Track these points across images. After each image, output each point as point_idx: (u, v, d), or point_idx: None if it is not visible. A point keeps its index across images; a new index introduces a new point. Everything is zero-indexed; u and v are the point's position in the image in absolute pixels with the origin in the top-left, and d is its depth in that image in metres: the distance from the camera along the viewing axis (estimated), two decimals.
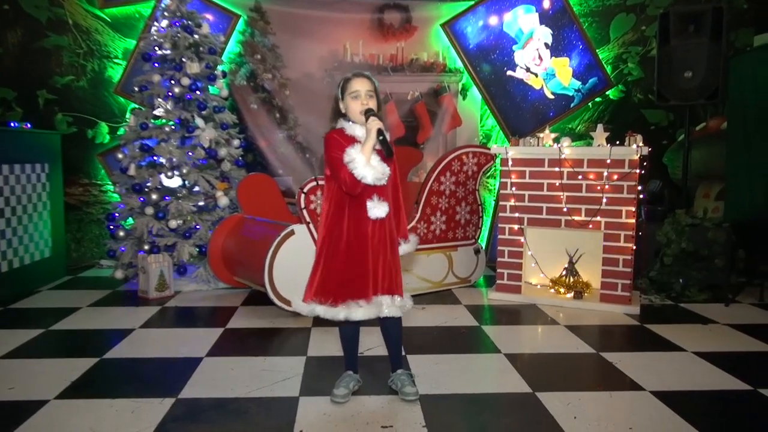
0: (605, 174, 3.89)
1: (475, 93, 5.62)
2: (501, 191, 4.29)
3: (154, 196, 4.42)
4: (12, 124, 4.42)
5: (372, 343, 3.16)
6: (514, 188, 4.17)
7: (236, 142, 4.83)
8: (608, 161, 3.86)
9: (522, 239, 4.19)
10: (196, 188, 4.56)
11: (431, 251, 4.34)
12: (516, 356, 3.06)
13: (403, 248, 2.55)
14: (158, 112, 4.53)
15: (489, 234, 5.58)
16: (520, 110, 5.58)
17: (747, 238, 4.37)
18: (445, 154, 4.43)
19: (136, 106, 4.76)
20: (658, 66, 4.55)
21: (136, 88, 4.62)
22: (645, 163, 3.93)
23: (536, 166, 4.10)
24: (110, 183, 5.37)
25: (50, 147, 4.72)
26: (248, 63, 5.39)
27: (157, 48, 4.58)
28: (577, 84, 5.51)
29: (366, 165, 2.26)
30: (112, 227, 4.58)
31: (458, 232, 4.47)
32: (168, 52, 4.57)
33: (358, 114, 2.36)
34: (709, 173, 5.15)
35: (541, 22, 5.47)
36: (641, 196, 4.02)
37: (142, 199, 4.47)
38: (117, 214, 4.59)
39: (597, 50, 5.48)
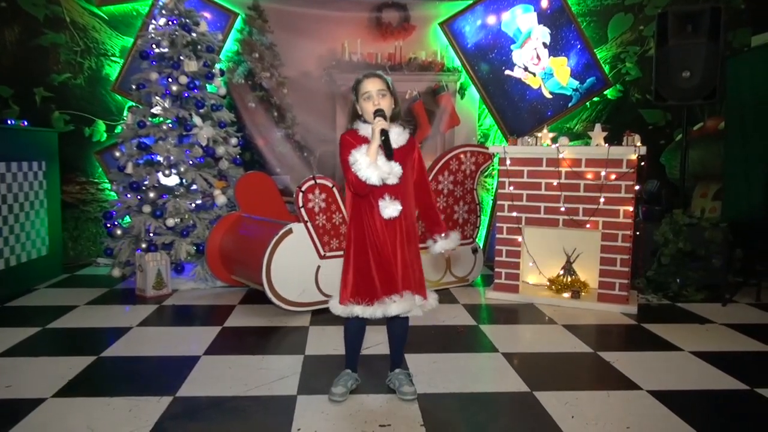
0: (603, 173, 3.89)
1: (473, 92, 5.62)
2: (499, 191, 4.29)
3: (151, 195, 4.41)
4: (9, 122, 4.41)
5: (370, 342, 3.16)
6: (512, 188, 4.17)
7: (234, 141, 4.83)
8: (606, 161, 3.86)
9: (520, 239, 4.19)
10: (194, 186, 4.55)
11: (428, 250, 4.33)
12: (513, 355, 3.06)
13: (440, 245, 2.52)
14: (156, 110, 4.52)
15: (487, 233, 5.58)
16: (518, 110, 5.58)
17: (744, 238, 4.38)
18: (443, 153, 4.44)
19: (134, 104, 4.75)
20: (655, 66, 4.55)
21: (134, 86, 4.61)
22: (643, 163, 3.93)
23: (534, 165, 4.10)
24: (107, 181, 5.36)
25: (47, 145, 4.71)
26: (246, 61, 5.38)
27: (154, 46, 4.57)
28: (575, 83, 5.52)
29: (370, 165, 2.27)
30: (109, 225, 4.57)
31: (456, 232, 4.46)
32: (166, 50, 4.56)
33: (371, 114, 2.37)
34: (707, 173, 5.17)
35: (540, 22, 5.47)
36: (639, 195, 4.02)
37: (139, 197, 4.46)
38: (114, 212, 4.57)
39: (595, 50, 5.48)
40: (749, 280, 4.27)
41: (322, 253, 3.82)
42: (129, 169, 4.45)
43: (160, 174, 4.45)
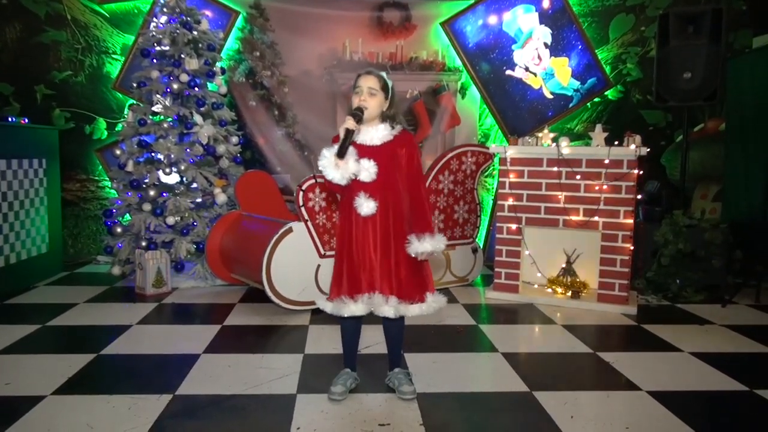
0: (603, 174, 3.89)
1: (474, 92, 5.62)
2: (499, 190, 4.29)
3: (151, 193, 4.41)
4: (9, 119, 4.41)
5: (370, 341, 3.16)
6: (512, 188, 4.17)
7: (235, 139, 4.83)
8: (606, 161, 3.86)
9: (520, 239, 4.19)
10: (194, 185, 4.55)
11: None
12: (513, 355, 3.06)
13: (414, 246, 2.36)
14: (156, 108, 4.52)
15: (487, 233, 5.58)
16: (518, 110, 5.58)
17: (744, 239, 4.38)
18: (444, 152, 4.44)
19: (135, 102, 4.74)
20: (657, 67, 4.55)
21: (135, 84, 4.61)
22: (643, 164, 3.93)
23: (535, 165, 4.10)
24: (108, 179, 5.36)
25: (48, 142, 4.71)
26: (247, 60, 5.38)
27: (155, 44, 4.57)
28: (576, 84, 5.52)
29: (332, 166, 2.30)
30: (109, 223, 4.57)
31: (456, 231, 4.47)
32: (167, 48, 4.56)
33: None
34: (707, 174, 5.17)
35: (541, 22, 5.47)
36: (639, 196, 4.02)
37: (139, 195, 4.46)
38: (114, 210, 4.57)
39: (596, 50, 5.48)
40: (749, 281, 4.27)
41: (322, 252, 3.82)
42: (129, 167, 4.45)
43: (160, 172, 4.45)
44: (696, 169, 5.10)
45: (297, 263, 3.75)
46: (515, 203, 4.17)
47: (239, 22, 5.42)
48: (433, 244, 2.39)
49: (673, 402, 2.49)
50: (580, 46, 5.48)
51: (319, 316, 3.70)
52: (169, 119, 4.51)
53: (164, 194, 4.47)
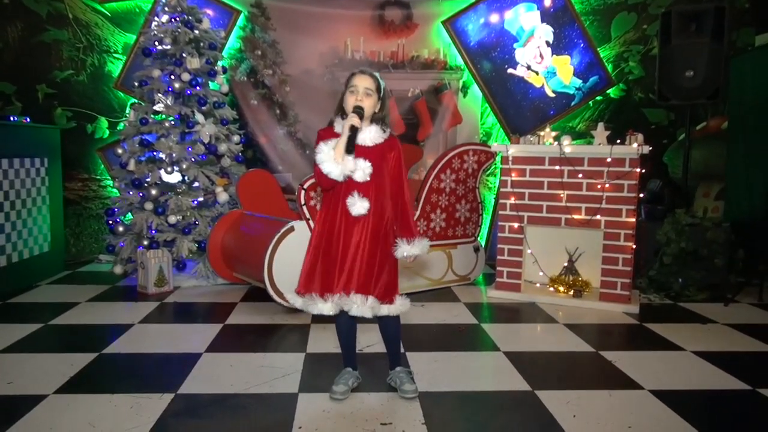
0: (605, 173, 3.89)
1: (475, 91, 5.61)
2: (501, 189, 4.29)
3: (153, 192, 4.41)
4: (11, 119, 4.41)
5: (371, 340, 3.16)
6: (514, 186, 4.17)
7: (236, 138, 4.83)
8: (609, 160, 3.86)
9: (522, 237, 4.19)
10: (196, 184, 4.55)
11: (431, 249, 4.31)
12: (515, 354, 3.06)
13: (401, 249, 2.40)
14: (158, 107, 4.52)
15: (489, 232, 5.57)
16: (520, 108, 5.57)
17: (746, 238, 4.37)
18: (446, 151, 4.43)
19: (136, 101, 4.75)
20: (659, 65, 4.54)
21: (136, 83, 4.61)
22: (645, 163, 3.93)
23: (537, 164, 4.10)
24: (109, 178, 5.36)
25: (49, 141, 4.71)
26: (249, 59, 5.38)
27: (157, 43, 4.57)
28: (578, 82, 5.51)
29: (332, 161, 2.28)
30: (111, 222, 4.57)
31: (458, 230, 4.47)
32: (168, 47, 4.56)
33: (350, 108, 2.37)
34: (709, 173, 5.15)
35: (543, 20, 5.46)
36: (641, 195, 4.01)
37: (141, 194, 4.46)
38: (116, 209, 4.58)
39: (598, 49, 5.47)
40: (751, 280, 4.26)
41: None
42: (131, 166, 4.45)
43: (162, 171, 4.45)
44: (698, 168, 5.09)
45: (299, 262, 3.70)
46: (517, 202, 4.17)
47: (241, 20, 5.42)
48: (420, 248, 2.44)
49: (676, 401, 2.49)
50: (582, 45, 5.47)
51: (320, 315, 3.68)
52: (171, 118, 4.51)
53: (166, 193, 4.47)
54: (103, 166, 5.42)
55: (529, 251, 4.26)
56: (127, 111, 5.20)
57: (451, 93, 5.55)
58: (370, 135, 2.39)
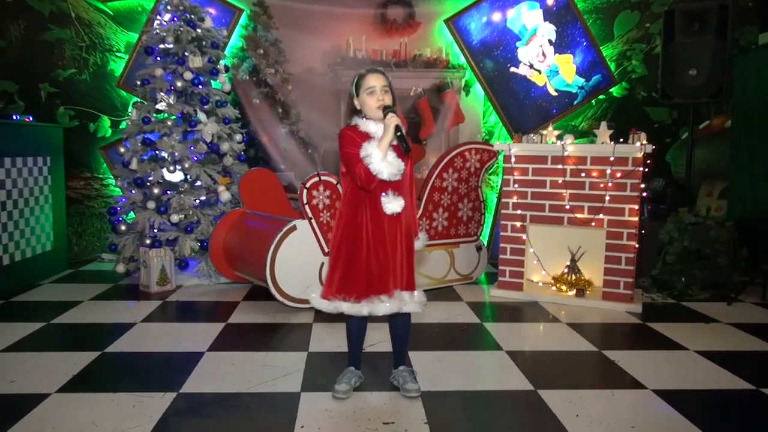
0: (608, 172, 3.88)
1: (478, 89, 5.60)
2: (503, 188, 4.28)
3: (155, 191, 4.41)
4: (14, 117, 4.42)
5: (374, 339, 3.16)
6: (516, 185, 4.16)
7: (238, 137, 4.83)
8: (611, 159, 3.85)
9: (524, 236, 4.18)
10: (198, 183, 4.55)
11: (433, 248, 4.33)
12: (518, 353, 3.05)
13: (416, 244, 2.55)
14: (160, 106, 4.52)
15: (491, 231, 5.57)
16: (523, 107, 5.56)
17: (750, 237, 4.35)
18: (448, 150, 4.42)
19: (139, 99, 4.75)
20: (662, 63, 4.52)
21: (139, 82, 4.61)
22: (648, 161, 3.91)
23: (539, 163, 4.09)
24: (112, 177, 5.37)
25: (52, 140, 4.71)
26: (251, 58, 5.37)
27: (159, 42, 4.57)
28: (581, 81, 5.49)
29: (382, 160, 2.27)
30: (113, 221, 4.57)
31: (460, 229, 4.46)
32: (170, 46, 4.56)
33: (375, 110, 2.35)
34: (713, 171, 5.13)
35: (545, 19, 5.44)
36: (644, 194, 4.00)
37: (144, 193, 4.46)
38: (119, 208, 4.58)
39: (601, 47, 5.45)
40: (755, 279, 4.25)
41: (326, 249, 3.81)
42: (133, 165, 4.46)
43: (164, 170, 4.46)
44: (701, 167, 5.07)
45: (301, 261, 3.75)
46: (519, 201, 4.16)
47: (243, 19, 5.42)
48: (422, 243, 2.59)
49: (679, 401, 2.48)
50: (584, 43, 5.45)
51: (323, 314, 3.66)
52: (173, 117, 4.51)
53: (168, 192, 4.47)
54: (105, 164, 5.42)
55: (531, 250, 4.25)
56: (129, 110, 5.20)
57: (454, 92, 5.54)
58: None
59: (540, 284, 4.34)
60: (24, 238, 4.31)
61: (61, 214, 4.85)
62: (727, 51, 4.31)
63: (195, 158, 4.53)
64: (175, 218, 4.38)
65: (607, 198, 3.89)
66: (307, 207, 3.73)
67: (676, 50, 4.42)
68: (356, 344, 2.61)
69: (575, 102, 5.54)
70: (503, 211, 4.26)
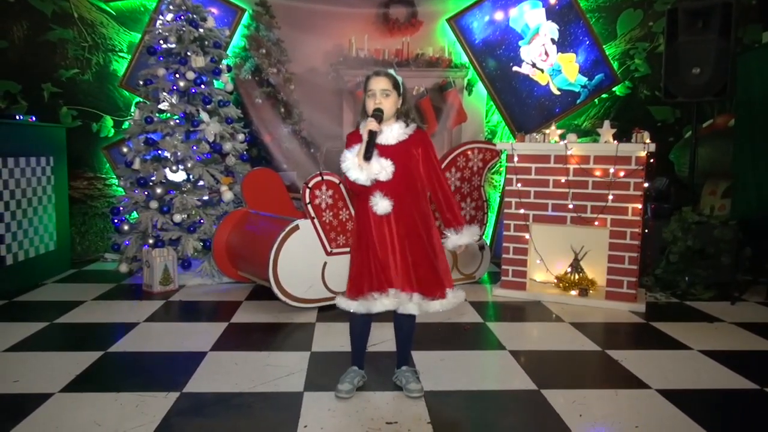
0: (611, 171, 3.87)
1: (480, 89, 5.59)
2: (506, 187, 4.27)
3: (158, 190, 4.42)
4: (17, 117, 4.42)
5: (377, 339, 3.16)
6: (519, 184, 4.16)
7: (241, 137, 4.83)
8: (615, 158, 3.84)
9: (527, 236, 4.17)
10: (201, 182, 4.55)
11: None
12: (521, 353, 3.05)
13: (451, 240, 2.44)
14: (163, 106, 4.53)
15: (494, 230, 5.56)
16: (525, 106, 5.55)
17: (754, 236, 4.34)
18: (450, 149, 4.42)
19: (141, 99, 4.75)
20: (665, 62, 4.51)
21: (141, 82, 4.61)
22: (651, 160, 3.90)
23: (542, 162, 4.08)
24: (115, 177, 5.37)
25: (55, 140, 4.72)
26: (253, 57, 5.37)
27: (162, 42, 4.57)
28: (584, 80, 5.48)
29: (356, 167, 2.31)
30: (116, 221, 4.58)
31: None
32: (173, 45, 4.56)
33: (371, 113, 2.41)
34: (716, 170, 5.12)
35: (548, 18, 5.43)
36: (647, 193, 3.99)
37: (146, 193, 4.47)
38: (121, 208, 4.58)
39: (604, 46, 5.44)
40: (758, 278, 4.23)
41: (329, 249, 3.81)
42: (136, 165, 4.46)
43: (167, 170, 4.46)
44: (705, 166, 5.06)
45: (304, 261, 3.75)
46: (522, 200, 4.15)
47: (245, 19, 5.42)
48: (470, 236, 2.47)
49: (683, 400, 2.47)
50: (587, 42, 5.44)
51: (326, 313, 3.70)
52: (176, 117, 4.52)
53: (171, 192, 4.47)
54: (108, 164, 5.43)
55: (534, 250, 4.24)
56: (132, 110, 5.20)
57: (456, 91, 5.54)
58: (392, 133, 2.42)
59: (543, 284, 4.33)
60: (27, 238, 4.32)
61: (64, 214, 4.86)
62: (730, 49, 4.30)
63: (198, 158, 4.53)
64: (177, 218, 4.38)
65: (610, 197, 3.88)
66: (309, 206, 3.73)
67: (679, 49, 4.40)
68: (359, 344, 2.61)
69: (578, 101, 5.53)
70: (506, 211, 4.25)
